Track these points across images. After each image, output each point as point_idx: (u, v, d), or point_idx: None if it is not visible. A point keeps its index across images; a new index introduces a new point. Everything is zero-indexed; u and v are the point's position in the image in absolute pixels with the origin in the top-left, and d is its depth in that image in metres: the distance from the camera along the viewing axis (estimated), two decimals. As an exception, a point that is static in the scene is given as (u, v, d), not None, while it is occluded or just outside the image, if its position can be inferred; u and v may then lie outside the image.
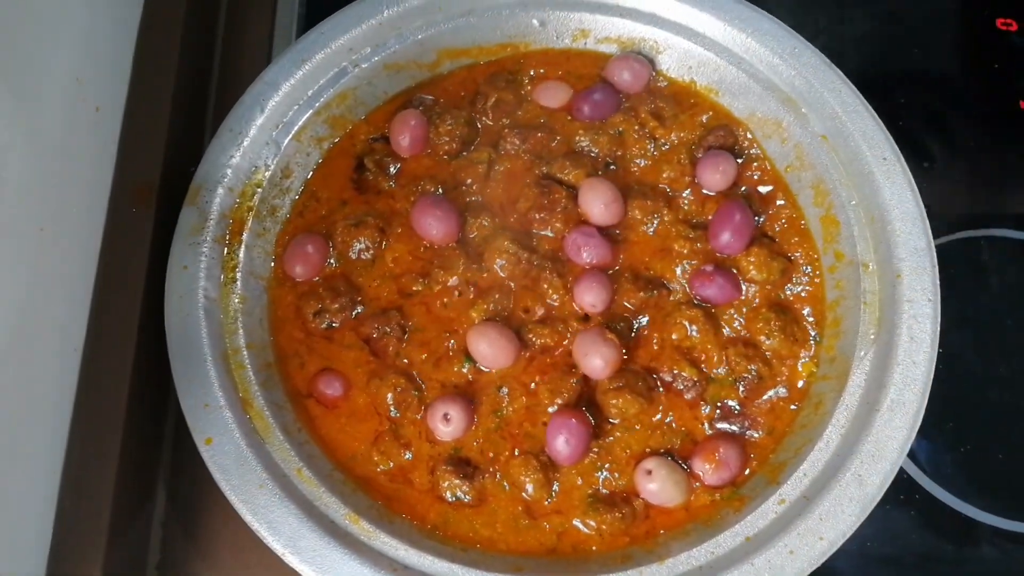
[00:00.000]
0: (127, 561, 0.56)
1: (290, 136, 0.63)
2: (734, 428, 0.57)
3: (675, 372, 0.57)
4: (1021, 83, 0.74)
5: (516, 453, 0.56)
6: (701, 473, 0.55)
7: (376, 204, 0.63)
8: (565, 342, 0.58)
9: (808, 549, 0.50)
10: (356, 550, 0.51)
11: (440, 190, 0.63)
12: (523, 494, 0.55)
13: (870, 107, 0.61)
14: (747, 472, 0.56)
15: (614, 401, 0.56)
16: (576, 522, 0.55)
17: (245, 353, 0.57)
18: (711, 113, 0.65)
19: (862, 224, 0.59)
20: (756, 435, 0.57)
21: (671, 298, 0.60)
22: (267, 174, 0.62)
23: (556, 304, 0.59)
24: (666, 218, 0.61)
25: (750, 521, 0.52)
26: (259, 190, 0.62)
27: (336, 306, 0.59)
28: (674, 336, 0.58)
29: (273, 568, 0.51)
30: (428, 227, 0.60)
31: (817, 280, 0.60)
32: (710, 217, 0.61)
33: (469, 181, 0.63)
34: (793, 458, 0.54)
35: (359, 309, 0.60)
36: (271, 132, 0.62)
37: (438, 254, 0.61)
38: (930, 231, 0.57)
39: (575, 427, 0.54)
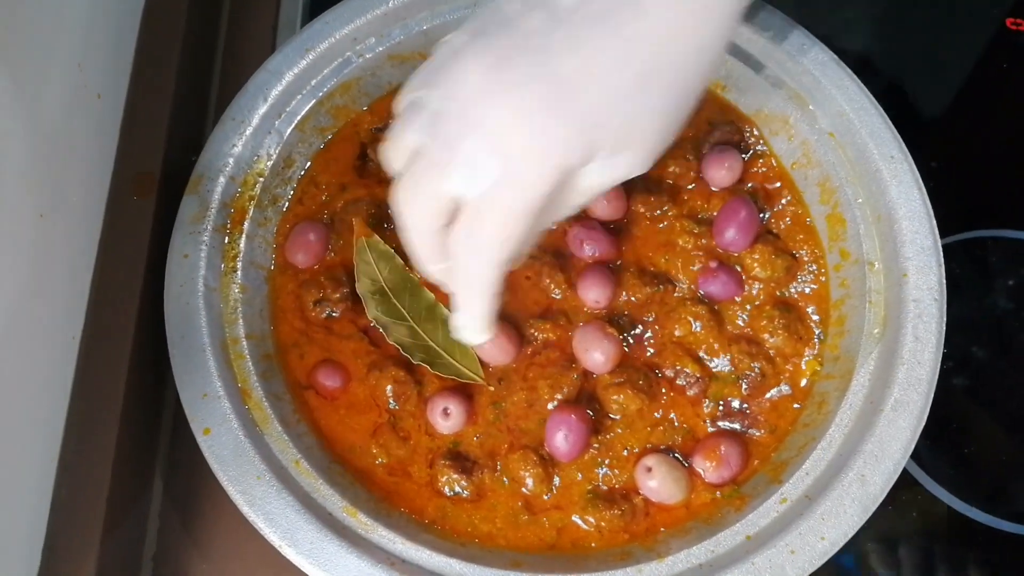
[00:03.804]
0: (123, 552, 0.56)
1: (293, 126, 0.62)
2: (736, 426, 0.57)
3: (677, 368, 0.57)
4: (1030, 83, 0.73)
5: (515, 448, 0.55)
6: (702, 471, 0.54)
7: (376, 190, 0.62)
8: (570, 335, 0.57)
9: (809, 549, 0.50)
10: (354, 543, 0.50)
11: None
12: (523, 489, 0.55)
13: (878, 105, 0.60)
14: (749, 470, 0.55)
15: (615, 397, 0.55)
16: (575, 518, 0.54)
17: (244, 343, 0.57)
18: (717, 109, 0.65)
19: (868, 222, 0.59)
20: (758, 433, 0.56)
21: (675, 294, 0.59)
22: (269, 164, 0.62)
23: (559, 298, 0.59)
24: (670, 213, 0.61)
25: (751, 520, 0.52)
26: (261, 179, 0.61)
27: (337, 295, 0.59)
28: (677, 332, 0.58)
29: (270, 560, 0.51)
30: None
31: (822, 278, 0.60)
32: (715, 213, 0.61)
33: (472, 174, 0.62)
34: (795, 457, 0.54)
35: (360, 299, 0.60)
36: (274, 121, 0.62)
37: (440, 247, 0.60)
38: (937, 230, 0.56)
39: (574, 423, 0.54)
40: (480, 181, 0.41)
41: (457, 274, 0.46)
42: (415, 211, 0.45)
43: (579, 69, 0.41)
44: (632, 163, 0.44)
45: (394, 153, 0.46)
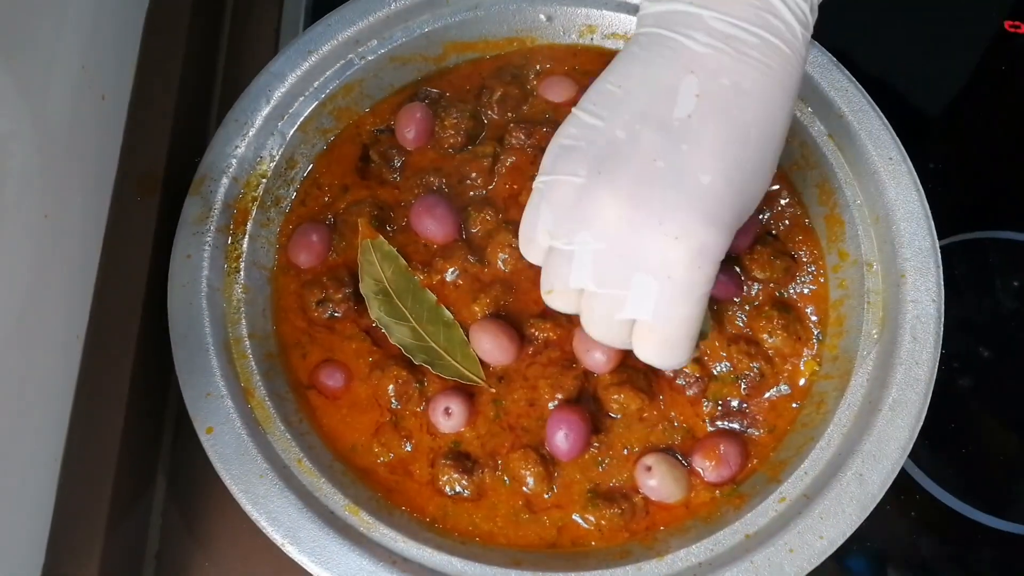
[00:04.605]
0: (126, 549, 0.56)
1: (295, 127, 0.63)
2: (735, 425, 0.57)
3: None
4: (1028, 85, 0.74)
5: (515, 447, 0.56)
6: (701, 470, 0.55)
7: (378, 191, 0.63)
8: (570, 334, 0.58)
9: (808, 547, 0.50)
10: (355, 541, 0.51)
11: (444, 183, 0.63)
12: (523, 488, 0.55)
13: (876, 107, 0.60)
14: (747, 470, 0.55)
15: (615, 396, 0.56)
16: (576, 517, 0.54)
17: (247, 343, 0.57)
18: (717, 111, 0.65)
19: (867, 224, 0.59)
20: (757, 433, 0.57)
21: (674, 294, 0.60)
22: (272, 165, 0.62)
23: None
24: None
25: (750, 519, 0.52)
26: (264, 180, 0.62)
27: (339, 296, 0.59)
28: (677, 332, 0.58)
29: (272, 558, 0.51)
30: (426, 228, 0.60)
31: (821, 279, 0.60)
32: (714, 214, 0.61)
33: (474, 175, 0.63)
34: (794, 456, 0.54)
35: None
36: (276, 123, 0.62)
37: (441, 247, 0.61)
38: (935, 231, 0.57)
39: (575, 422, 0.54)
40: (651, 303, 0.44)
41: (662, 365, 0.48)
42: (605, 340, 0.47)
43: (715, 173, 0.42)
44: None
45: (562, 301, 0.48)
